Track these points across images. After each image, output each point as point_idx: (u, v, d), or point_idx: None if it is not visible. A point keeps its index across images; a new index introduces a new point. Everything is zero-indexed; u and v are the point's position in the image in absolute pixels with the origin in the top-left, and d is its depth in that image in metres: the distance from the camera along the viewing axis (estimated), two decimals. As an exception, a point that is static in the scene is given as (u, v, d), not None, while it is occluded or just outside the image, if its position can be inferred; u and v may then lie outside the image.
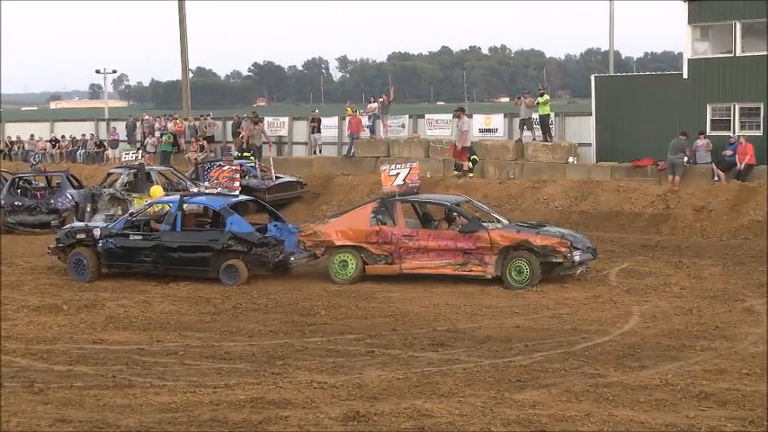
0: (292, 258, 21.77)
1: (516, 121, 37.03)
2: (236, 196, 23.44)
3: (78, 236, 22.77)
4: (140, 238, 22.32)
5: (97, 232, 22.59)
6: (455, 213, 21.92)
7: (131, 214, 23.57)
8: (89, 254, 22.42)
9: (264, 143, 41.10)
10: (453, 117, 35.99)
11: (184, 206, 22.63)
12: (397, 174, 22.48)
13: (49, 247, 23.44)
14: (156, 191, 27.68)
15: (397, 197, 22.02)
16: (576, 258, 20.53)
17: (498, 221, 21.78)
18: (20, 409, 12.04)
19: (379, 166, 37.69)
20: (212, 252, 21.53)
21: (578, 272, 20.99)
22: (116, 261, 22.55)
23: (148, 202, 25.29)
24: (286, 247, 21.75)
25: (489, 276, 20.66)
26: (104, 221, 25.13)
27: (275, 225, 22.98)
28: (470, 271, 20.85)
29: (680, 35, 33.52)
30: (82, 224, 24.26)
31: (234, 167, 24.38)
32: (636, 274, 21.77)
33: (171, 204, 22.82)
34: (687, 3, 32.55)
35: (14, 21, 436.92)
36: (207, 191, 23.98)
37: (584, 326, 16.62)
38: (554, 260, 20.40)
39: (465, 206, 22.84)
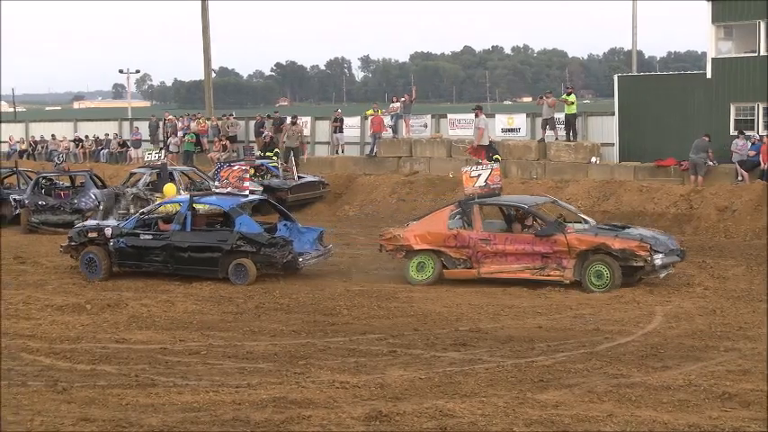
0: (300, 259, 21.75)
1: (539, 121, 37.02)
2: (246, 196, 23.49)
3: (90, 235, 22.83)
4: (150, 237, 22.36)
5: (108, 231, 22.64)
6: (532, 216, 21.32)
7: (142, 213, 23.59)
8: (101, 253, 22.49)
9: (303, 143, 41.12)
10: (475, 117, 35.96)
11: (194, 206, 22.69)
12: (479, 175, 21.87)
13: (62, 246, 23.54)
14: (170, 189, 27.77)
15: (475, 199, 21.58)
16: (658, 262, 19.82)
17: (585, 222, 21.24)
18: (43, 408, 12.11)
19: (400, 165, 37.91)
20: (221, 252, 21.53)
21: (662, 275, 20.28)
22: (127, 260, 22.58)
23: (160, 201, 25.38)
24: (295, 248, 21.73)
25: (568, 281, 20.14)
26: (117, 221, 25.14)
27: (285, 225, 23.00)
28: (548, 275, 20.34)
29: (703, 34, 33.43)
30: (94, 223, 24.24)
31: (243, 168, 24.35)
32: (659, 274, 21.67)
33: (181, 204, 22.88)
34: (711, 2, 32.43)
35: (38, 21, 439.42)
36: (217, 191, 24.02)
37: (607, 326, 16.56)
38: (634, 264, 19.81)
39: (548, 207, 22.37)
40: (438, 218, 21.86)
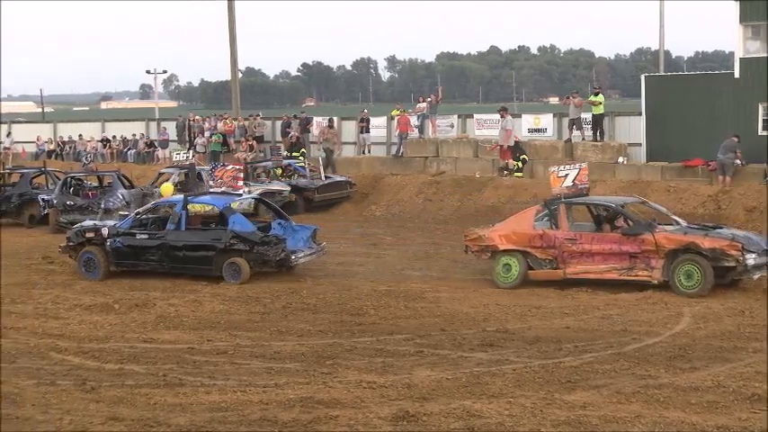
0: (293, 257, 21.84)
1: (565, 121, 36.94)
2: (240, 195, 23.84)
3: (87, 235, 22.98)
4: (146, 237, 22.53)
5: (105, 231, 22.77)
6: (620, 215, 20.82)
7: (138, 213, 23.70)
8: (99, 253, 22.64)
9: (335, 144, 41.26)
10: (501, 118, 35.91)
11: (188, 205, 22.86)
12: (566, 175, 21.52)
13: (60, 246, 23.67)
14: (167, 189, 27.89)
15: (562, 199, 21.14)
16: (750, 262, 19.23)
17: (677, 223, 20.76)
18: (72, 407, 12.19)
19: (426, 166, 37.92)
20: (215, 251, 21.68)
21: (756, 277, 19.64)
22: (123, 260, 22.70)
23: (156, 201, 25.53)
24: (289, 246, 21.88)
25: (656, 282, 19.65)
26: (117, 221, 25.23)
27: (279, 223, 23.18)
28: (636, 276, 19.84)
29: (731, 34, 33.23)
30: (91, 223, 24.31)
31: (238, 167, 24.71)
32: (687, 274, 21.54)
33: (176, 204, 23.07)
34: (738, 2, 32.24)
35: (67, 22, 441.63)
36: (212, 190, 24.18)
37: (635, 327, 16.50)
38: (725, 264, 19.23)
39: (635, 208, 21.95)
40: (524, 218, 21.64)
